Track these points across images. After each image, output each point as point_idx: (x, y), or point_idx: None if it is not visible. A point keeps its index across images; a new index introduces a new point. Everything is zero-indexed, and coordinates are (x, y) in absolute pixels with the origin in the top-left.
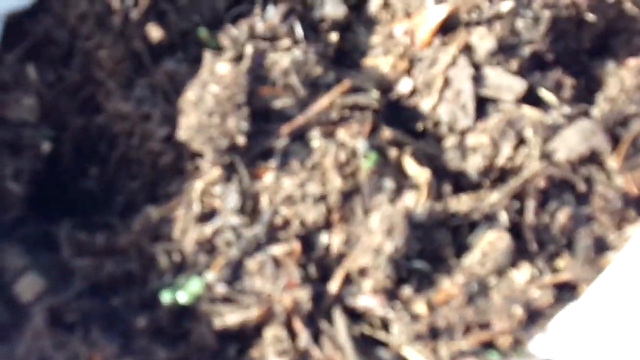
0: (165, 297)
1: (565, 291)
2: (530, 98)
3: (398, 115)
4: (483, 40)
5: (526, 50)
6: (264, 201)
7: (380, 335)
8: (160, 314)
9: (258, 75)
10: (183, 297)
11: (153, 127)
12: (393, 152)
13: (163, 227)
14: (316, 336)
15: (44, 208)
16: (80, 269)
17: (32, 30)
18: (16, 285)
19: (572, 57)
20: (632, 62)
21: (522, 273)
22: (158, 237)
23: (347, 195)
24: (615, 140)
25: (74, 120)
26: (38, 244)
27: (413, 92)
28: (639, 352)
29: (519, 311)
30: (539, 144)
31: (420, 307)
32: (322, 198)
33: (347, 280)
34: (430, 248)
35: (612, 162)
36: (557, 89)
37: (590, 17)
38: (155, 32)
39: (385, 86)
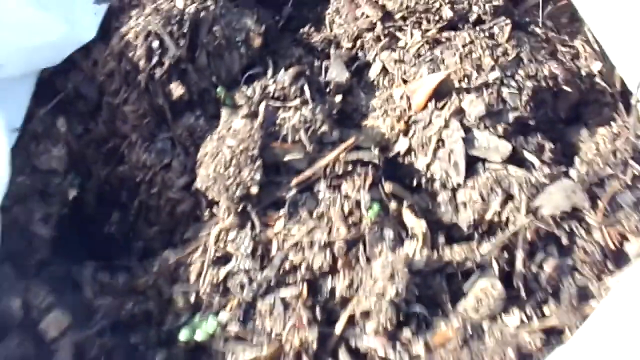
0: (182, 336)
1: (553, 336)
2: (515, 159)
3: (396, 171)
4: (473, 106)
5: (510, 116)
6: (274, 247)
7: None
8: (177, 351)
9: (270, 131)
10: (199, 335)
11: (172, 177)
12: (393, 205)
13: (180, 269)
14: None
15: (69, 250)
16: (102, 308)
17: (62, 86)
18: (42, 322)
19: (550, 124)
20: (602, 130)
21: (512, 318)
22: (175, 279)
23: (351, 243)
24: (593, 199)
25: (99, 169)
26: (63, 283)
27: (409, 151)
28: None
29: (511, 354)
30: (525, 200)
31: (419, 348)
32: (328, 245)
33: (351, 322)
34: (428, 293)
35: (592, 218)
36: (538, 151)
37: (566, 88)
38: (176, 90)
39: (384, 145)
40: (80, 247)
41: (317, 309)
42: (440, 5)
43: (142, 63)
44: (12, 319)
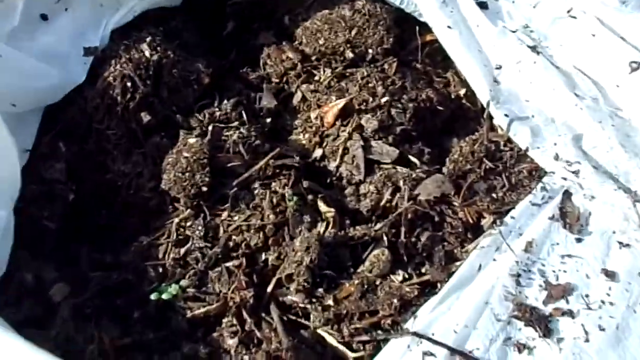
0: (153, 296)
1: (427, 288)
2: (402, 161)
3: (313, 173)
4: (369, 123)
5: (398, 129)
6: (221, 230)
7: (302, 321)
8: (149, 309)
9: (216, 145)
10: (165, 296)
11: (144, 181)
12: (310, 197)
13: (151, 249)
14: (258, 323)
15: (70, 238)
16: (94, 279)
17: (62, 117)
18: (50, 291)
19: (428, 134)
20: (467, 138)
21: (398, 276)
22: (148, 256)
23: (278, 226)
24: (457, 187)
25: (91, 177)
26: (65, 262)
27: (323, 157)
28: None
29: (396, 302)
30: (408, 190)
31: (329, 301)
32: (261, 228)
33: (279, 284)
34: (335, 261)
35: (456, 202)
36: (419, 155)
37: (440, 108)
38: (145, 117)
39: (304, 153)
40: (78, 235)
41: (254, 275)
42: (344, 50)
43: (119, 98)
44: (27, 289)
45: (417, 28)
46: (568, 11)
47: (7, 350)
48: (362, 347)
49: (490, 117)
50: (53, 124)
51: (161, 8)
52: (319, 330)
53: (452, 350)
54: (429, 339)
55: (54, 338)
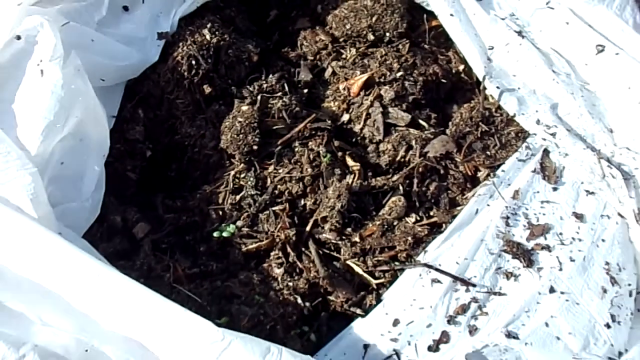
0: (215, 234)
1: (435, 228)
2: (413, 124)
3: (342, 134)
4: (387, 93)
5: (410, 98)
6: (269, 181)
7: (334, 254)
8: (212, 244)
9: (264, 112)
10: (225, 234)
11: (206, 142)
12: (339, 154)
13: (213, 196)
14: (299, 256)
15: (148, 187)
16: (168, 220)
17: (140, 89)
18: (134, 229)
19: (434, 102)
20: (465, 105)
21: (411, 219)
22: (210, 202)
23: (314, 177)
24: (458, 146)
25: (163, 138)
26: (145, 206)
27: (350, 121)
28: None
29: (410, 239)
30: (419, 148)
31: (356, 238)
32: (301, 179)
33: (315, 224)
34: (361, 206)
35: (458, 158)
36: (427, 119)
37: (444, 81)
38: (207, 89)
39: (334, 118)
40: (154, 184)
41: (295, 217)
42: (366, 33)
43: (186, 74)
44: (117, 229)
45: (425, 15)
46: (547, 3)
47: (105, 279)
48: (382, 275)
49: (485, 89)
50: (133, 95)
51: None
52: (348, 262)
53: (455, 278)
54: (436, 269)
55: (138, 268)
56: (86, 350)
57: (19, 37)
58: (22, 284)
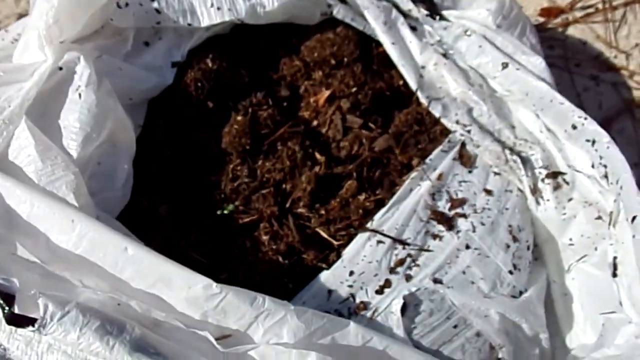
0: (219, 212)
1: (380, 203)
2: (365, 126)
3: (312, 136)
4: (345, 104)
5: (362, 107)
6: (258, 172)
7: (306, 223)
8: (217, 219)
9: (254, 121)
10: (226, 211)
11: (211, 143)
12: (310, 150)
13: (216, 183)
14: (281, 225)
15: (167, 178)
16: (183, 202)
17: (159, 105)
18: (159, 209)
19: (381, 110)
20: (404, 111)
21: (362, 197)
22: (215, 188)
23: (292, 168)
24: (397, 142)
25: (178, 141)
26: (165, 193)
27: (318, 126)
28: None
29: (361, 212)
30: (368, 144)
31: (322, 211)
32: (282, 170)
33: (293, 202)
34: (326, 187)
35: (397, 151)
36: (375, 123)
37: (387, 93)
38: (210, 104)
39: (307, 124)
40: (171, 175)
41: (278, 198)
42: (330, 59)
43: (194, 93)
44: (143, 209)
45: (373, 44)
46: (465, 32)
47: (133, 250)
48: (342, 238)
49: (417, 98)
50: (155, 109)
51: (218, 35)
52: (317, 229)
53: (394, 239)
54: (381, 233)
55: (160, 240)
56: (118, 304)
57: (60, 68)
58: (68, 256)
